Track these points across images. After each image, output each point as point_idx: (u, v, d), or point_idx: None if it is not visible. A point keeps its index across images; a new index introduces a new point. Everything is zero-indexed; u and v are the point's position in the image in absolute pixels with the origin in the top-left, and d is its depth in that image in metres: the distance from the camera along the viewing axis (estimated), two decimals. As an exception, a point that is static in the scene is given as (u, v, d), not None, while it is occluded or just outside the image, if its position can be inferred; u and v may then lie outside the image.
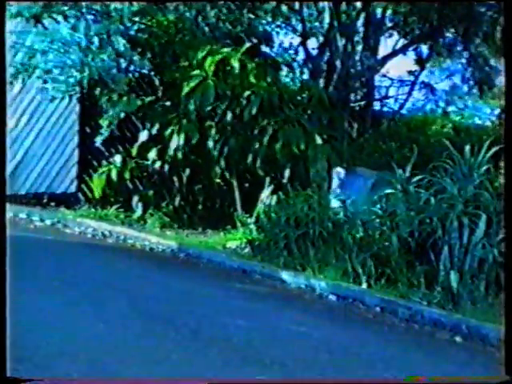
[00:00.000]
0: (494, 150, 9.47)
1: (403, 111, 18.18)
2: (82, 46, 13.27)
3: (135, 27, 13.73)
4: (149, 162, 13.79)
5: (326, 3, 14.87)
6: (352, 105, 15.71)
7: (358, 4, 15.05)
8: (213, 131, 13.19)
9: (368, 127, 15.70)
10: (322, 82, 14.70)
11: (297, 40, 16.40)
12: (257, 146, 12.75)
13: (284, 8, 16.22)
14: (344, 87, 14.77)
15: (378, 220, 10.21)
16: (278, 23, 16.52)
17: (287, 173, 12.70)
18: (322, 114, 13.45)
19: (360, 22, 15.48)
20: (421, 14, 16.21)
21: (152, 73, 14.13)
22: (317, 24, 15.94)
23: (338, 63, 14.64)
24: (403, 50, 17.61)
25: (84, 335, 6.55)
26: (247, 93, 12.89)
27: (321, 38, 15.48)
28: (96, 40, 13.28)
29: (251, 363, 6.25)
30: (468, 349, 7.68)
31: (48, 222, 13.38)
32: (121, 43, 13.43)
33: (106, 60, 13.33)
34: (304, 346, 7.08)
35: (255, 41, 15.32)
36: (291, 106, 13.15)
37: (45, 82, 13.82)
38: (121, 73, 13.68)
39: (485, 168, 9.61)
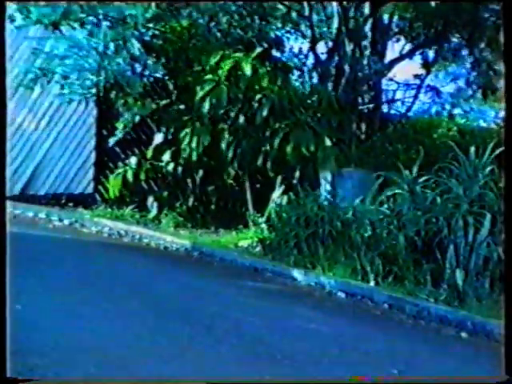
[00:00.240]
0: (498, 151, 9.43)
1: (410, 114, 18.09)
2: (99, 51, 13.30)
3: (150, 33, 13.75)
4: (163, 164, 13.81)
5: (334, 9, 14.83)
6: (360, 108, 15.65)
7: (366, 10, 15.01)
8: (225, 134, 13.20)
9: (376, 129, 15.63)
10: (330, 85, 14.66)
11: (306, 45, 16.38)
12: (268, 147, 12.75)
13: (294, 14, 16.21)
14: (352, 91, 14.73)
15: (385, 219, 10.18)
16: (288, 29, 16.52)
17: (297, 174, 12.69)
18: (331, 117, 13.42)
19: (367, 28, 15.42)
20: (426, 20, 16.17)
21: (166, 77, 14.16)
22: (325, 29, 15.91)
23: (346, 67, 14.60)
24: (409, 55, 17.56)
25: (101, 331, 6.55)
26: (258, 96, 12.88)
27: (330, 43, 15.44)
28: (112, 45, 13.31)
29: (262, 358, 6.25)
30: (473, 344, 7.66)
31: (66, 222, 13.41)
32: (136, 47, 13.46)
33: (121, 64, 13.37)
34: (314, 341, 7.07)
35: (266, 46, 15.30)
36: (301, 109, 13.12)
37: (62, 86, 13.87)
38: (136, 77, 13.70)
39: (489, 169, 9.58)
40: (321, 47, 16.14)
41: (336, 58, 14.84)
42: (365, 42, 15.35)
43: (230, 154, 13.11)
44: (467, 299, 8.71)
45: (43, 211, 14.04)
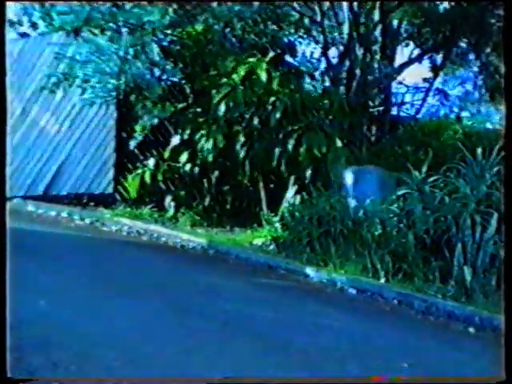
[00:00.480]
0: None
1: (418, 116, 18.07)
2: (119, 56, 13.35)
3: (168, 39, 13.78)
4: (180, 165, 13.82)
5: (345, 15, 14.83)
6: (370, 110, 15.64)
7: (376, 16, 15.00)
8: (240, 136, 13.20)
9: (385, 131, 15.64)
10: (342, 89, 14.65)
11: (318, 50, 16.38)
12: (281, 149, 12.74)
13: (306, 20, 16.21)
14: (363, 94, 14.72)
15: (395, 218, 10.17)
16: (301, 34, 16.52)
17: (310, 174, 12.68)
18: (343, 120, 13.41)
19: (378, 33, 15.41)
20: (434, 26, 16.15)
21: (183, 81, 14.18)
22: (337, 35, 15.90)
23: (357, 71, 14.60)
24: (418, 59, 17.54)
25: (121, 326, 6.56)
26: (272, 100, 12.89)
27: (341, 48, 15.43)
28: (131, 51, 13.36)
29: (276, 352, 6.24)
30: (480, 339, 7.64)
31: (87, 221, 13.46)
32: (155, 53, 13.51)
33: (140, 68, 13.41)
34: (326, 336, 7.07)
35: (279, 51, 15.31)
36: (313, 111, 13.11)
37: (84, 90, 13.93)
38: (154, 81, 13.74)
39: (496, 169, 9.55)
40: (332, 52, 16.15)
41: (347, 63, 14.82)
42: (375, 47, 15.35)
43: (245, 155, 13.11)
44: (474, 295, 8.69)
45: (65, 210, 14.10)
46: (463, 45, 17.38)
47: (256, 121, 13.05)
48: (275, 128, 12.87)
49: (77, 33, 13.74)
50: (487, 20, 15.12)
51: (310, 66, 16.25)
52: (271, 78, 13.06)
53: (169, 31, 13.80)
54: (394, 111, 18.00)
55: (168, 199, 13.82)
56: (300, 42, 16.58)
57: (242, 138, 13.14)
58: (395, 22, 16.50)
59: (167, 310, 7.39)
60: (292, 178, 12.88)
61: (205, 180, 13.87)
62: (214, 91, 13.11)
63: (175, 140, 14.06)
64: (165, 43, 13.77)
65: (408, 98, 18.79)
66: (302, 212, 11.38)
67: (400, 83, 18.14)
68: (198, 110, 13.95)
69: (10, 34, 16.33)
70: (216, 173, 13.81)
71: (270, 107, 12.89)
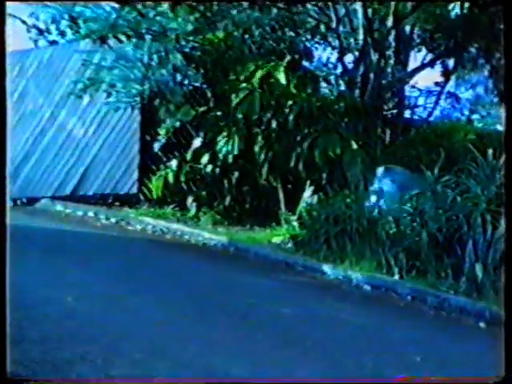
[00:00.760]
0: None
1: (431, 119, 18.00)
2: (143, 62, 13.40)
3: (189, 45, 13.81)
4: (202, 166, 13.85)
5: (360, 22, 14.78)
6: (384, 113, 15.59)
7: (389, 22, 14.94)
8: (259, 138, 13.21)
9: (399, 133, 15.56)
10: (357, 92, 14.60)
11: (334, 55, 16.38)
12: (298, 151, 12.74)
13: (322, 26, 16.20)
14: (377, 97, 14.66)
15: (409, 217, 10.13)
16: (317, 40, 16.51)
17: (326, 175, 12.66)
18: (358, 122, 13.39)
19: (391, 39, 15.35)
20: (446, 31, 16.09)
21: (204, 86, 14.20)
22: (352, 41, 15.86)
23: (371, 76, 14.53)
24: (430, 64, 17.46)
25: (146, 320, 6.59)
26: (289, 103, 12.88)
27: (356, 54, 15.39)
28: (155, 57, 13.40)
29: (294, 346, 6.24)
30: (491, 333, 7.60)
31: (113, 220, 13.52)
32: (178, 59, 13.54)
33: (164, 74, 13.45)
34: (342, 330, 7.06)
35: (297, 56, 15.31)
36: (329, 114, 13.10)
37: (109, 95, 13.99)
38: (177, 86, 13.78)
39: (506, 170, 9.49)
40: (348, 57, 16.12)
41: (362, 67, 14.77)
42: (389, 52, 15.29)
43: (264, 157, 13.12)
44: (485, 291, 8.64)
45: (92, 210, 14.18)
46: (474, 50, 17.30)
47: (274, 124, 13.06)
48: (292, 130, 12.87)
49: (103, 40, 13.81)
50: (497, 26, 15.03)
51: (325, 71, 16.23)
52: (289, 82, 13.07)
53: (191, 38, 13.84)
54: (407, 114, 17.93)
55: (190, 199, 13.84)
56: (316, 48, 16.60)
57: (260, 141, 13.16)
58: (408, 28, 16.44)
59: (189, 305, 7.41)
60: (309, 179, 12.86)
61: (225, 181, 13.88)
62: (233, 95, 13.13)
63: (197, 142, 14.09)
64: (187, 49, 13.80)
65: (421, 101, 18.71)
66: (318, 211, 11.36)
67: (413, 87, 18.08)
68: (219, 113, 13.97)
69: (40, 42, 16.46)
70: (236, 174, 13.82)
71: (287, 110, 12.89)
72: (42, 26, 15.91)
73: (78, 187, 15.61)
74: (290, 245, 11.33)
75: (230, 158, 13.30)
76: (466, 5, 12.38)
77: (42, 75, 16.42)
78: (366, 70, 14.67)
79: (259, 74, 13.09)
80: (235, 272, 9.87)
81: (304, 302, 8.29)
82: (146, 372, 5.13)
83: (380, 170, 11.83)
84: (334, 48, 16.15)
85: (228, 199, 13.88)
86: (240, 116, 13.01)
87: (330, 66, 16.41)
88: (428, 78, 18.34)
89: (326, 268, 9.94)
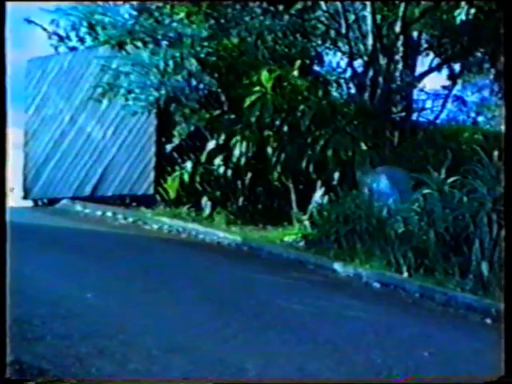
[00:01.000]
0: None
1: (438, 121, 17.99)
2: (159, 68, 13.43)
3: (204, 51, 13.83)
4: (216, 167, 13.86)
5: (369, 28, 14.77)
6: (393, 116, 15.58)
7: (397, 28, 14.93)
8: (271, 140, 13.21)
9: (407, 135, 15.55)
10: (366, 96, 14.60)
11: (344, 59, 16.36)
12: (310, 152, 12.73)
13: (332, 32, 16.21)
14: (386, 100, 14.66)
15: (416, 217, 10.12)
16: (328, 45, 16.51)
17: (337, 176, 12.66)
18: (367, 124, 13.39)
19: (399, 44, 15.34)
20: (453, 37, 16.08)
21: (219, 90, 14.21)
22: (362, 46, 15.85)
23: (380, 80, 14.53)
24: (438, 68, 17.48)
25: (162, 317, 6.60)
26: (301, 106, 12.89)
27: (365, 58, 15.38)
28: (171, 62, 13.43)
29: (306, 342, 6.24)
30: (497, 329, 7.57)
31: (130, 220, 13.55)
32: (193, 65, 13.57)
33: (179, 79, 13.48)
34: (352, 326, 7.06)
35: (308, 61, 15.32)
36: (340, 117, 13.10)
37: (127, 99, 14.04)
38: (192, 90, 13.81)
39: (512, 170, 9.46)
40: (357, 62, 16.11)
41: (371, 72, 14.77)
42: (397, 57, 15.28)
43: (276, 158, 13.12)
44: (491, 289, 8.62)
45: (110, 210, 14.21)
46: (479, 54, 17.28)
47: (286, 126, 13.06)
48: (304, 133, 12.87)
49: (121, 46, 13.86)
50: (501, 31, 14.98)
51: (336, 75, 16.23)
52: (300, 86, 13.07)
53: (205, 44, 13.86)
54: (415, 117, 17.91)
55: (204, 199, 13.85)
56: (327, 53, 16.60)
57: (273, 143, 13.16)
58: (416, 34, 16.45)
59: (204, 302, 7.42)
60: (320, 180, 12.86)
61: (239, 181, 13.89)
62: (247, 99, 13.14)
63: (211, 144, 14.10)
64: (202, 55, 13.82)
65: (428, 104, 18.70)
66: (329, 211, 11.36)
67: (421, 90, 18.06)
68: (232, 116, 13.99)
69: (61, 48, 16.54)
70: (249, 175, 13.83)
71: (299, 113, 12.90)
72: (62, 32, 15.96)
73: (96, 188, 15.66)
74: (301, 244, 11.33)
75: (243, 160, 13.31)
76: (472, 11, 12.31)
77: (62, 80, 16.48)
78: (375, 75, 14.68)
79: (271, 77, 13.09)
80: (248, 270, 9.88)
81: (315, 299, 8.28)
82: (162, 367, 5.14)
83: (378, 170, 11.88)
84: (344, 53, 16.13)
85: (241, 199, 13.89)
86: (253, 119, 13.01)
87: (340, 70, 16.39)
88: (435, 81, 18.35)
89: (337, 266, 9.94)
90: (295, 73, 13.28)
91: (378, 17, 14.83)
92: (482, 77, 19.17)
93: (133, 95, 13.84)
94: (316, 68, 16.05)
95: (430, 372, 5.69)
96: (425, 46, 17.23)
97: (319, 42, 16.34)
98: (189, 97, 13.80)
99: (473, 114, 19.36)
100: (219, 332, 6.26)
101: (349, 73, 16.01)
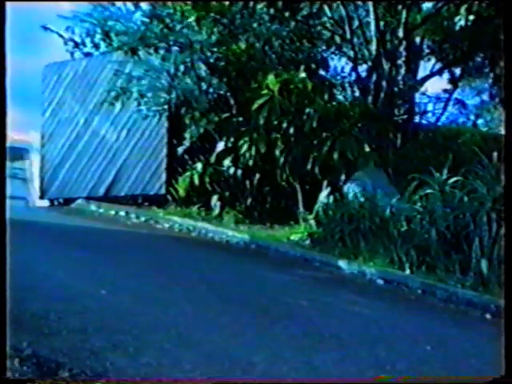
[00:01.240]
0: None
1: (439, 123, 17.97)
2: (170, 73, 13.46)
3: (214, 56, 13.85)
4: (225, 168, 13.87)
5: (373, 33, 14.76)
6: (396, 119, 15.56)
7: (400, 33, 14.92)
8: (279, 142, 13.20)
9: (409, 137, 15.53)
10: (370, 99, 14.58)
11: (349, 64, 16.35)
12: (316, 154, 12.73)
13: (337, 38, 16.21)
14: (389, 104, 14.64)
15: (419, 216, 10.10)
16: (333, 50, 16.51)
17: (342, 176, 12.65)
18: (371, 127, 13.38)
19: (402, 49, 15.32)
20: (453, 42, 16.08)
21: (228, 93, 14.23)
22: (365, 51, 15.83)
23: (384, 83, 14.52)
24: (439, 72, 17.47)
25: (173, 313, 6.61)
26: (307, 109, 12.88)
27: (369, 63, 15.36)
28: (181, 67, 13.46)
29: (311, 337, 6.24)
30: (496, 324, 7.56)
31: (142, 219, 13.58)
32: (202, 69, 13.60)
33: (189, 83, 13.50)
34: (357, 322, 7.05)
35: (314, 65, 15.32)
36: (345, 120, 13.09)
37: (139, 103, 14.08)
38: (202, 94, 13.83)
39: (511, 171, 9.44)
40: (361, 66, 16.10)
41: (375, 76, 14.75)
42: (400, 62, 15.26)
43: (283, 160, 13.12)
44: (491, 285, 8.61)
45: (123, 210, 14.25)
46: (479, 59, 17.27)
47: (292, 128, 13.05)
48: (310, 135, 12.87)
49: (133, 52, 13.89)
50: (500, 36, 14.95)
51: (340, 79, 16.23)
52: (306, 89, 13.06)
53: (215, 49, 13.88)
54: (417, 119, 17.89)
55: (214, 199, 13.86)
56: (332, 58, 16.60)
57: (280, 144, 13.15)
58: (418, 39, 16.43)
59: (213, 298, 7.42)
60: (325, 180, 12.85)
61: (247, 182, 13.89)
62: (255, 102, 13.14)
63: (220, 146, 14.12)
64: (211, 60, 13.84)
65: (430, 107, 18.68)
66: (334, 211, 11.35)
67: (423, 94, 18.03)
68: (241, 119, 13.99)
69: (76, 54, 16.59)
70: (257, 175, 13.83)
71: (305, 116, 12.89)
72: (77, 39, 15.98)
73: (110, 189, 15.71)
74: (307, 242, 11.33)
75: (252, 161, 13.31)
76: (471, 17, 12.32)
77: (77, 85, 16.54)
78: (378, 79, 14.66)
79: (278, 81, 13.09)
80: (256, 267, 9.89)
81: (320, 295, 8.28)
82: (173, 361, 5.15)
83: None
84: (348, 58, 16.13)
85: (249, 199, 13.90)
86: (261, 121, 13.01)
87: (345, 74, 16.39)
88: (436, 85, 18.33)
89: (342, 263, 9.93)
90: (302, 75, 13.25)
91: (382, 23, 14.81)
92: (481, 80, 19.14)
93: (145, 99, 13.88)
94: (321, 72, 16.05)
95: (432, 365, 5.68)
96: (426, 51, 17.22)
97: (324, 48, 16.34)
98: (199, 100, 13.82)
99: (473, 117, 19.35)
100: (228, 327, 6.27)
101: (353, 77, 16.01)
